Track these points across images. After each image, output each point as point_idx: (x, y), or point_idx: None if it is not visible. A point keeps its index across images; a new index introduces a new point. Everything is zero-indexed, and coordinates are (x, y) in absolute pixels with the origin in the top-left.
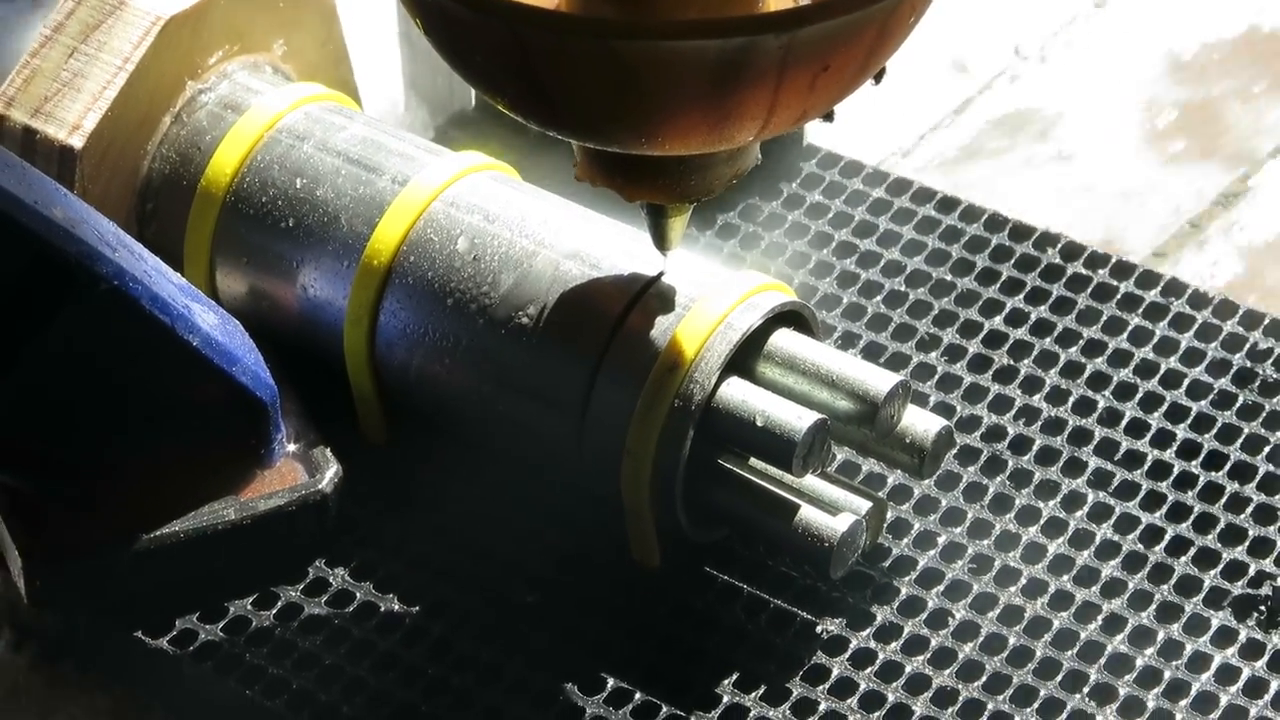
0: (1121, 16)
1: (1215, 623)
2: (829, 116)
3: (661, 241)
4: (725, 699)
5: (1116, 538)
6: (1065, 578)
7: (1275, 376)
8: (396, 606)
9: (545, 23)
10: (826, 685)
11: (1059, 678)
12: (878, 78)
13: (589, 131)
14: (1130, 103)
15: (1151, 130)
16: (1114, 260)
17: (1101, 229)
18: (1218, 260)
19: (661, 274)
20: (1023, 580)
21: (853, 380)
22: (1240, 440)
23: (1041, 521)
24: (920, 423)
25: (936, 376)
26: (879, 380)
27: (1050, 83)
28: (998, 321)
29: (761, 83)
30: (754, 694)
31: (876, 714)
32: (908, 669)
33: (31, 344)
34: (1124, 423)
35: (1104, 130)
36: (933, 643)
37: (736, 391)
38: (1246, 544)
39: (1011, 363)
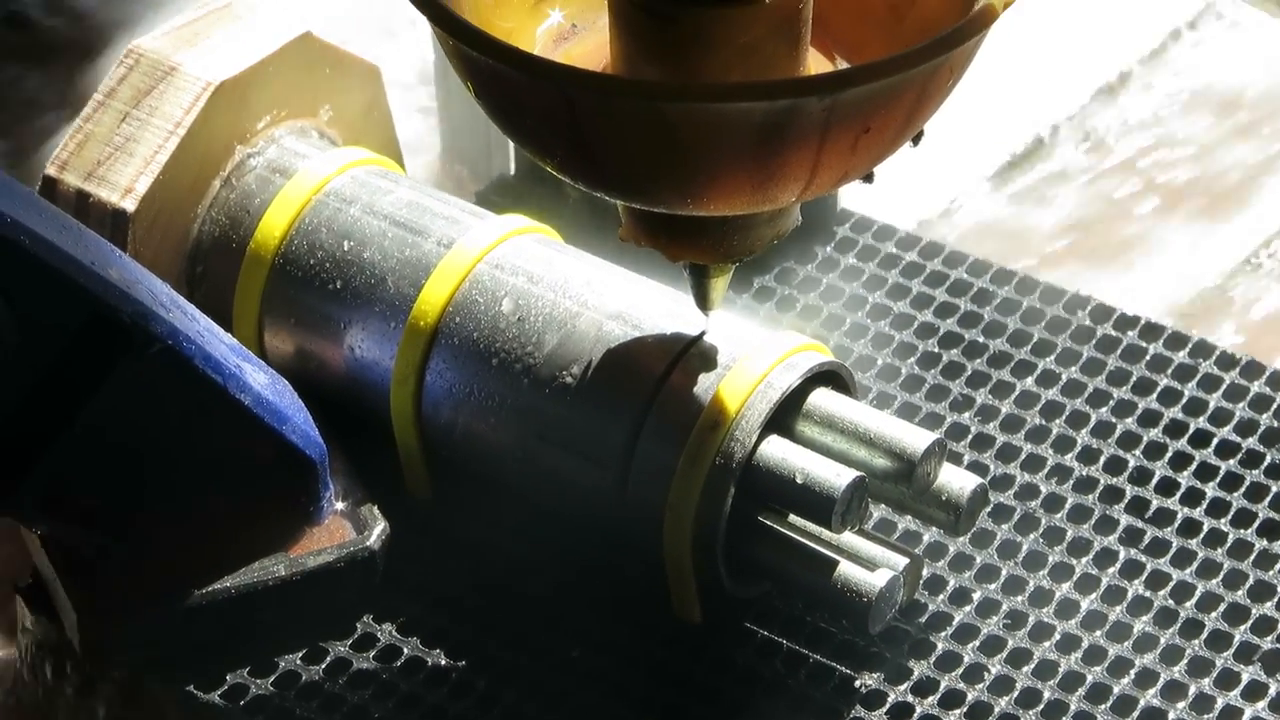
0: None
1: (1246, 677)
2: (869, 178)
3: (704, 301)
4: None
5: (1148, 594)
6: (1098, 633)
7: None
8: (443, 661)
9: (595, 85)
10: None
11: None
12: (916, 140)
13: (635, 192)
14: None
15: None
16: (1142, 322)
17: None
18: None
19: (703, 334)
20: (1056, 635)
21: (890, 438)
22: (1269, 498)
23: (1074, 578)
24: (956, 480)
25: (970, 436)
26: (915, 438)
27: (1082, 149)
28: (1029, 382)
29: (805, 144)
30: None
31: None
32: None
33: (87, 402)
34: (1154, 481)
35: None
36: (969, 696)
37: (776, 449)
38: (1275, 600)
39: (1043, 423)
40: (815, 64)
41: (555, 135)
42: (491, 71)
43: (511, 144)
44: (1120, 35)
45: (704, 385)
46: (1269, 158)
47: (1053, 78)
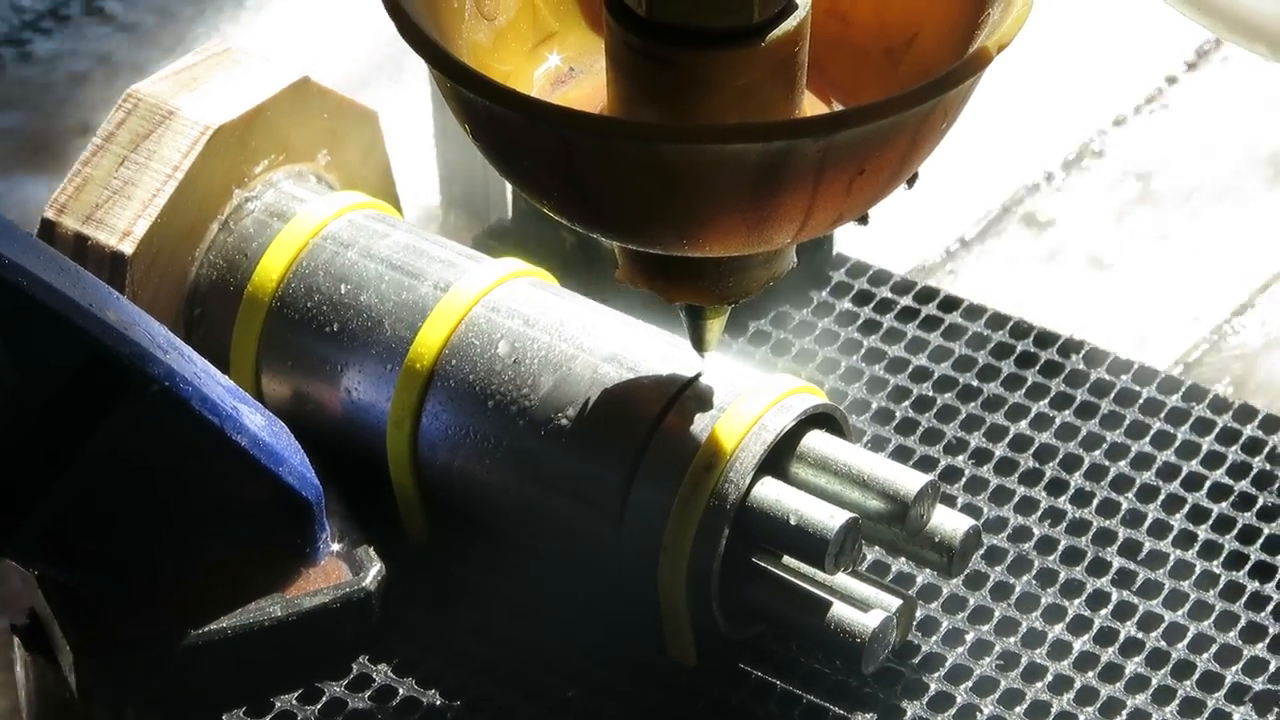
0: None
1: (1236, 718)
2: (864, 220)
3: (699, 343)
4: None
5: (1140, 635)
6: (1090, 674)
7: None
8: (439, 702)
9: (592, 127)
10: None
11: None
12: (910, 182)
13: (631, 233)
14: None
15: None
16: (1136, 366)
17: (1130, 335)
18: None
19: (699, 376)
20: (1049, 676)
21: (883, 480)
22: (1260, 541)
23: (1067, 619)
24: (949, 522)
25: (964, 479)
26: (909, 480)
27: (1073, 195)
28: (1023, 425)
29: (800, 185)
30: None
31: None
32: None
33: (84, 443)
34: (1146, 524)
35: (1130, 239)
36: None
37: (770, 491)
38: (1267, 641)
39: (1037, 465)
40: (811, 107)
41: (552, 176)
42: (488, 113)
43: (509, 189)
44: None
45: (698, 427)
46: None
47: (1049, 120)
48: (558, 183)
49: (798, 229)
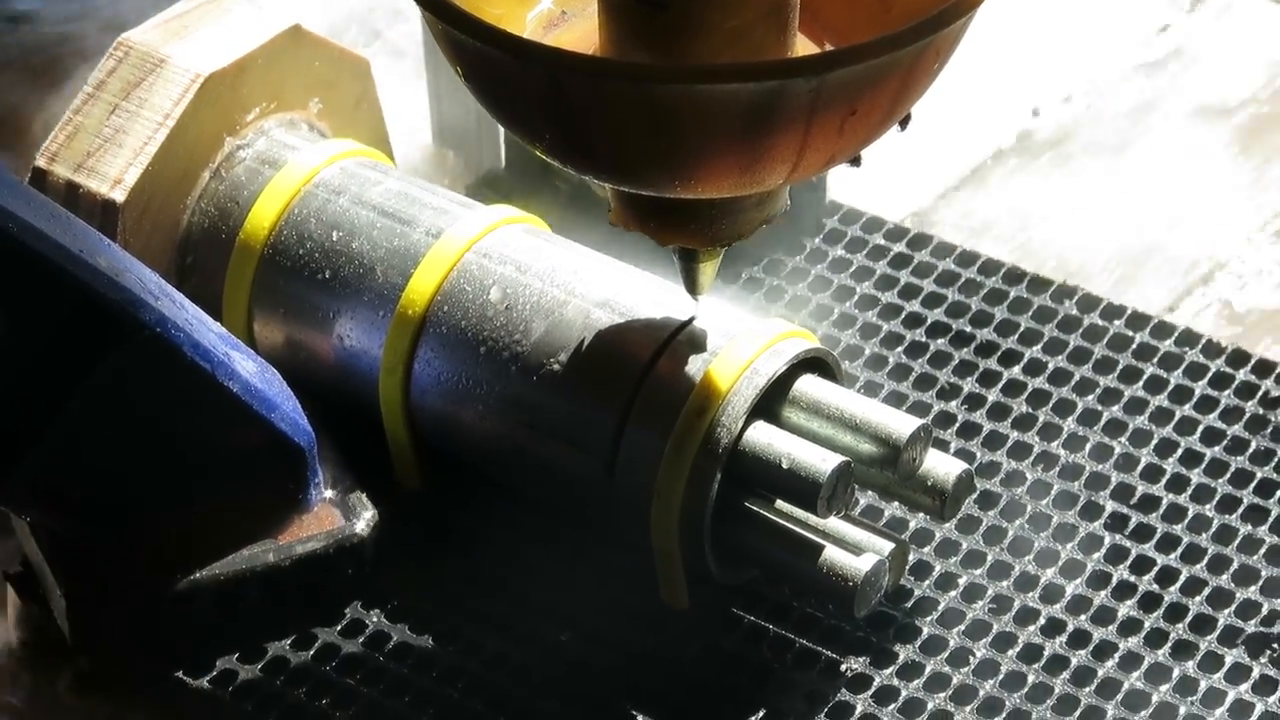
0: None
1: (1229, 660)
2: (856, 161)
3: (693, 286)
4: None
5: (1132, 578)
6: (1083, 617)
7: None
8: (431, 647)
9: (584, 68)
10: None
11: (1077, 713)
12: (903, 124)
13: (625, 175)
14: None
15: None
16: (1129, 312)
17: (1124, 280)
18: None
19: (692, 320)
20: (1041, 620)
21: (875, 424)
22: (1253, 485)
23: (1060, 563)
24: (941, 466)
25: (957, 424)
26: (901, 424)
27: (1065, 140)
28: (1016, 371)
29: (792, 126)
30: None
31: None
32: (930, 705)
33: (75, 390)
34: (1139, 468)
35: (1123, 184)
36: (954, 680)
37: (762, 435)
38: (1259, 584)
39: (1030, 410)
40: (804, 49)
41: (544, 119)
42: (480, 55)
43: (502, 137)
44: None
45: (690, 371)
46: None
47: (1041, 63)
48: (550, 125)
49: (790, 170)
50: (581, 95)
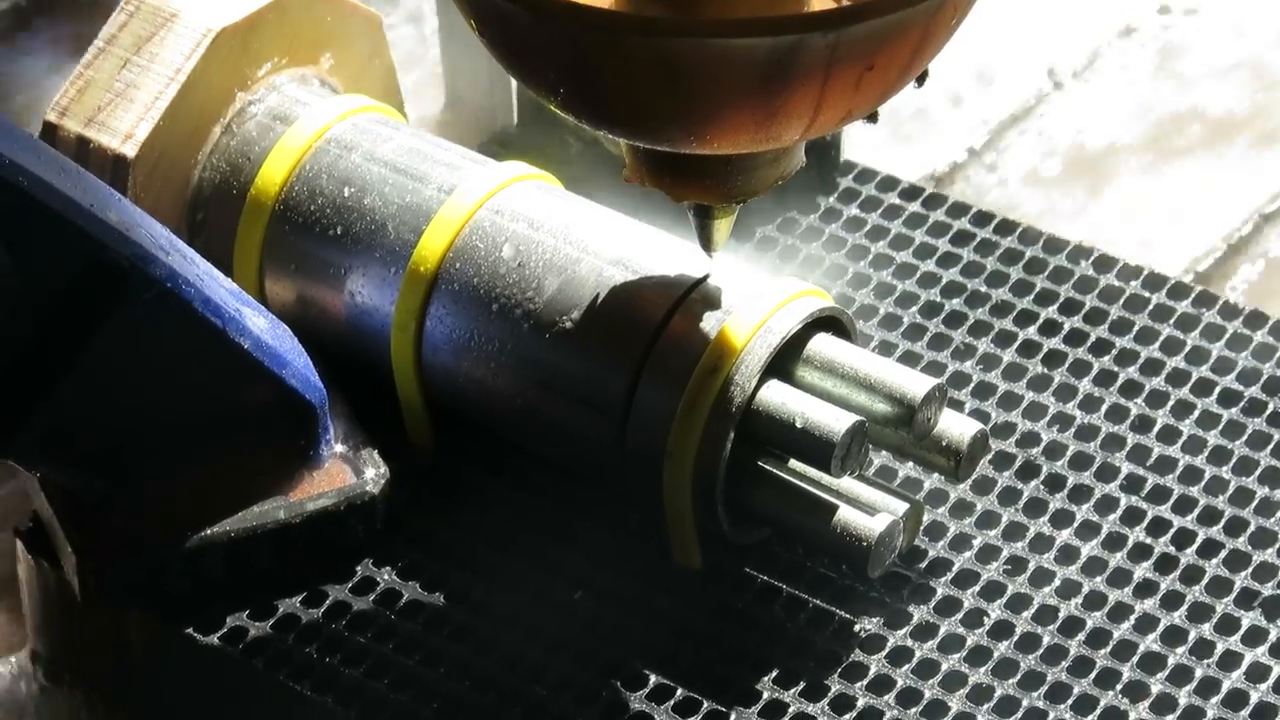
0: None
1: (1246, 623)
2: (873, 118)
3: (707, 243)
4: (765, 695)
5: (1149, 540)
6: (1098, 579)
7: None
8: (443, 605)
9: (598, 21)
10: (864, 682)
11: (1092, 675)
12: (920, 80)
13: (639, 130)
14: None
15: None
16: (1146, 272)
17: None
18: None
19: (706, 277)
20: (1056, 581)
21: (890, 383)
22: (1270, 446)
23: (1075, 524)
24: (956, 426)
25: (972, 384)
26: (916, 383)
27: (1084, 103)
28: (1032, 331)
29: (809, 81)
30: (793, 690)
31: (913, 710)
32: (944, 666)
33: (86, 345)
34: (1156, 429)
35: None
36: (968, 641)
37: (776, 394)
38: (1276, 546)
39: (1045, 371)
40: (819, 4)
41: (558, 73)
42: (494, 9)
43: (514, 94)
44: None
45: (703, 330)
46: None
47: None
48: (564, 79)
49: (806, 125)
50: (596, 49)
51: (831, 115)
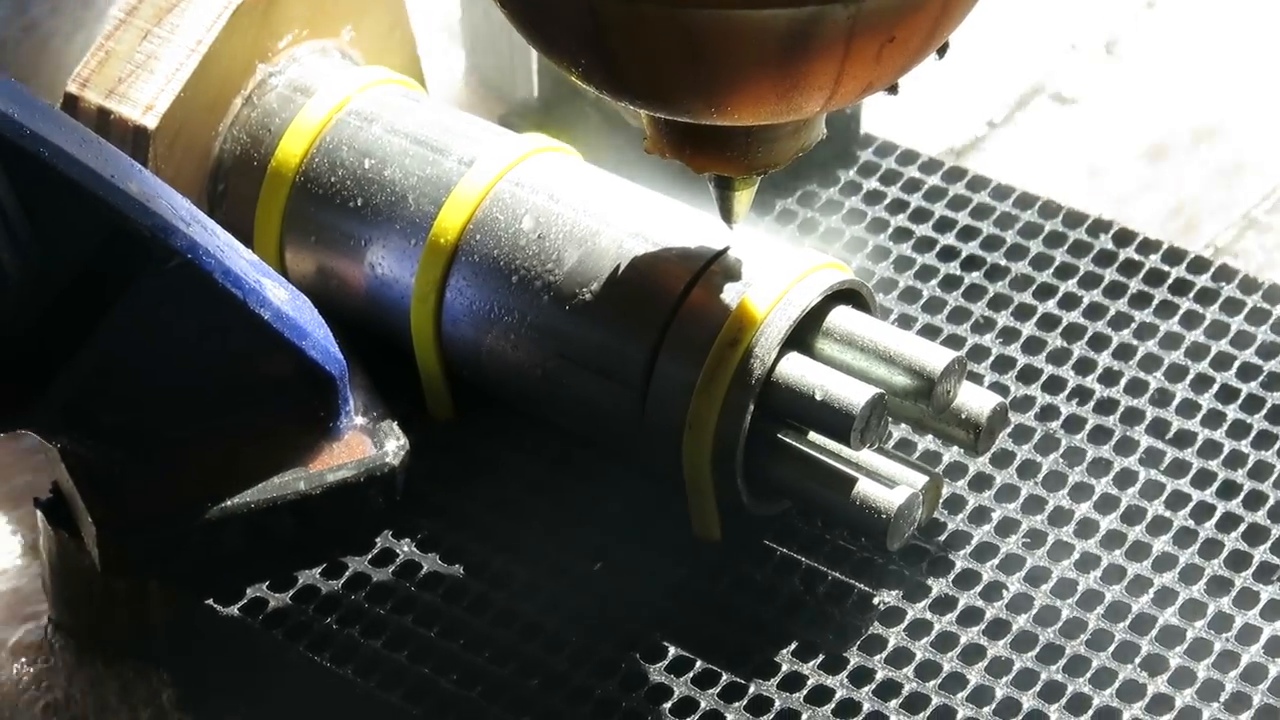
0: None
1: (1265, 596)
2: (894, 89)
3: (728, 215)
4: (784, 667)
5: (1167, 514)
6: (1117, 552)
7: None
8: (462, 576)
9: None
10: (883, 655)
11: (1111, 648)
12: (941, 52)
13: (660, 101)
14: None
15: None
16: (1165, 246)
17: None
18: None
19: (726, 249)
20: (1075, 554)
21: (910, 356)
22: None
23: (1094, 498)
24: (976, 399)
25: (991, 358)
26: (935, 356)
27: (1104, 77)
28: (1051, 305)
29: (829, 52)
30: (812, 662)
31: (932, 682)
32: (963, 639)
33: (106, 316)
34: (1175, 403)
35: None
36: (987, 614)
37: (795, 367)
38: None
39: (1065, 345)
40: None
41: (579, 43)
42: None
43: (534, 67)
44: None
45: (723, 302)
46: None
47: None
48: (585, 50)
49: (827, 97)
50: (617, 20)
51: (853, 87)
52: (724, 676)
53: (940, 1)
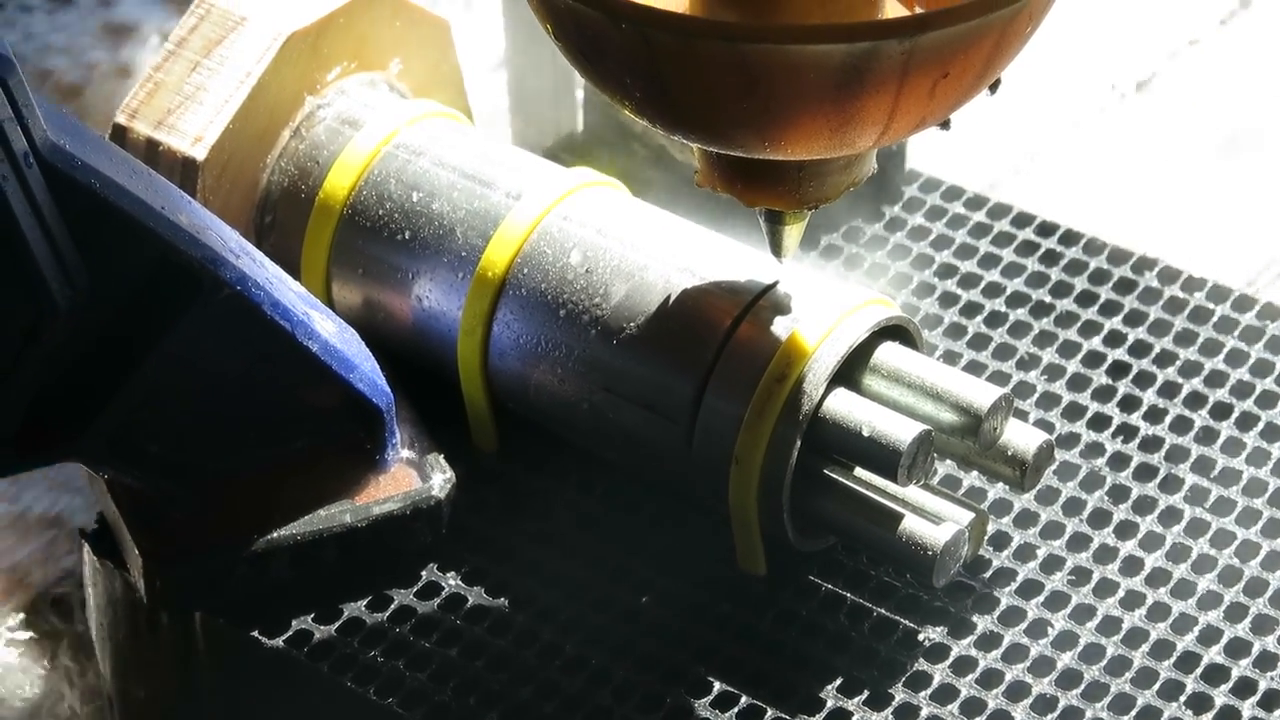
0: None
1: None
2: (946, 125)
3: (778, 249)
4: (829, 703)
5: (1212, 552)
6: (1162, 590)
7: None
8: (507, 609)
9: (674, 25)
10: (928, 691)
11: (1156, 687)
12: (993, 88)
13: (713, 134)
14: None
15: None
16: (1210, 284)
17: (1204, 253)
18: None
19: (775, 284)
20: (1120, 592)
21: (957, 393)
22: None
23: (1139, 535)
24: (1022, 436)
25: (1036, 394)
26: (982, 393)
27: (1142, 115)
28: (1096, 342)
29: (883, 88)
30: (857, 699)
31: (977, 719)
32: (1008, 676)
33: (155, 347)
34: (1220, 441)
35: (1204, 158)
36: (1032, 651)
37: (843, 403)
38: None
39: (1110, 382)
40: (893, 10)
41: (633, 77)
42: (570, 12)
43: (580, 99)
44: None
45: (771, 338)
46: None
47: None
48: (640, 83)
49: (880, 132)
50: (671, 54)
51: (906, 122)
52: (769, 712)
53: (994, 38)
